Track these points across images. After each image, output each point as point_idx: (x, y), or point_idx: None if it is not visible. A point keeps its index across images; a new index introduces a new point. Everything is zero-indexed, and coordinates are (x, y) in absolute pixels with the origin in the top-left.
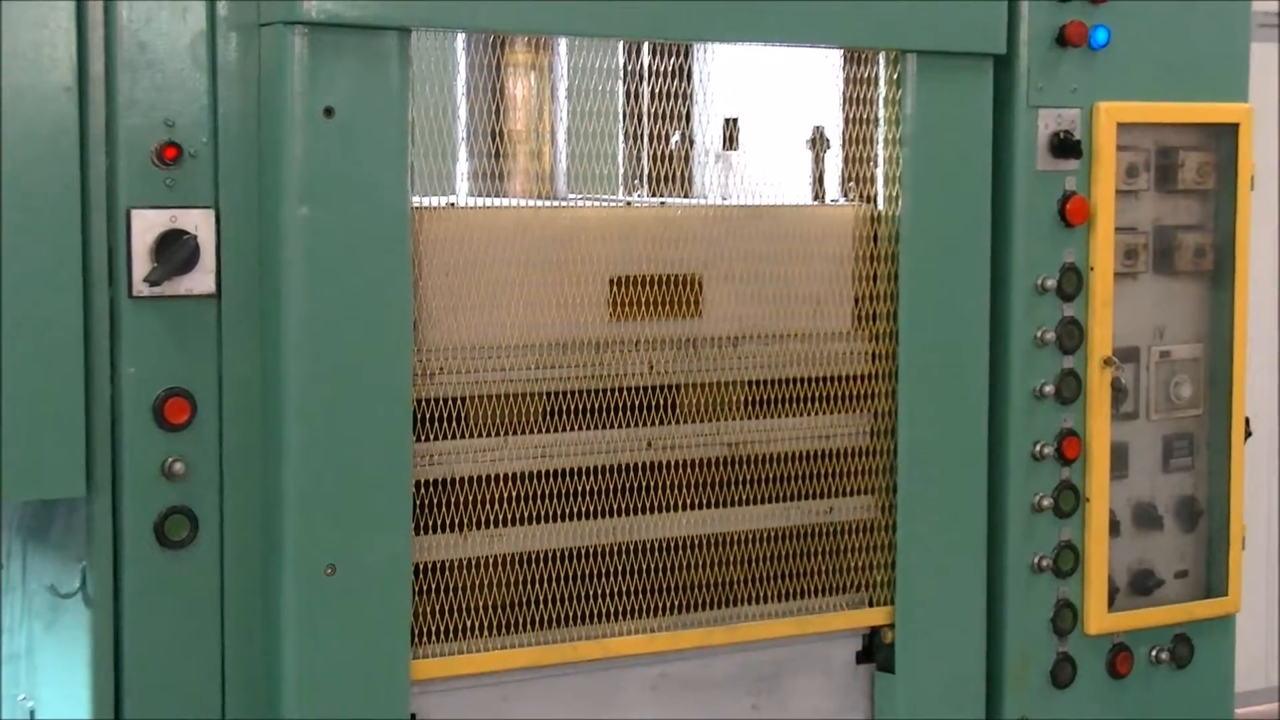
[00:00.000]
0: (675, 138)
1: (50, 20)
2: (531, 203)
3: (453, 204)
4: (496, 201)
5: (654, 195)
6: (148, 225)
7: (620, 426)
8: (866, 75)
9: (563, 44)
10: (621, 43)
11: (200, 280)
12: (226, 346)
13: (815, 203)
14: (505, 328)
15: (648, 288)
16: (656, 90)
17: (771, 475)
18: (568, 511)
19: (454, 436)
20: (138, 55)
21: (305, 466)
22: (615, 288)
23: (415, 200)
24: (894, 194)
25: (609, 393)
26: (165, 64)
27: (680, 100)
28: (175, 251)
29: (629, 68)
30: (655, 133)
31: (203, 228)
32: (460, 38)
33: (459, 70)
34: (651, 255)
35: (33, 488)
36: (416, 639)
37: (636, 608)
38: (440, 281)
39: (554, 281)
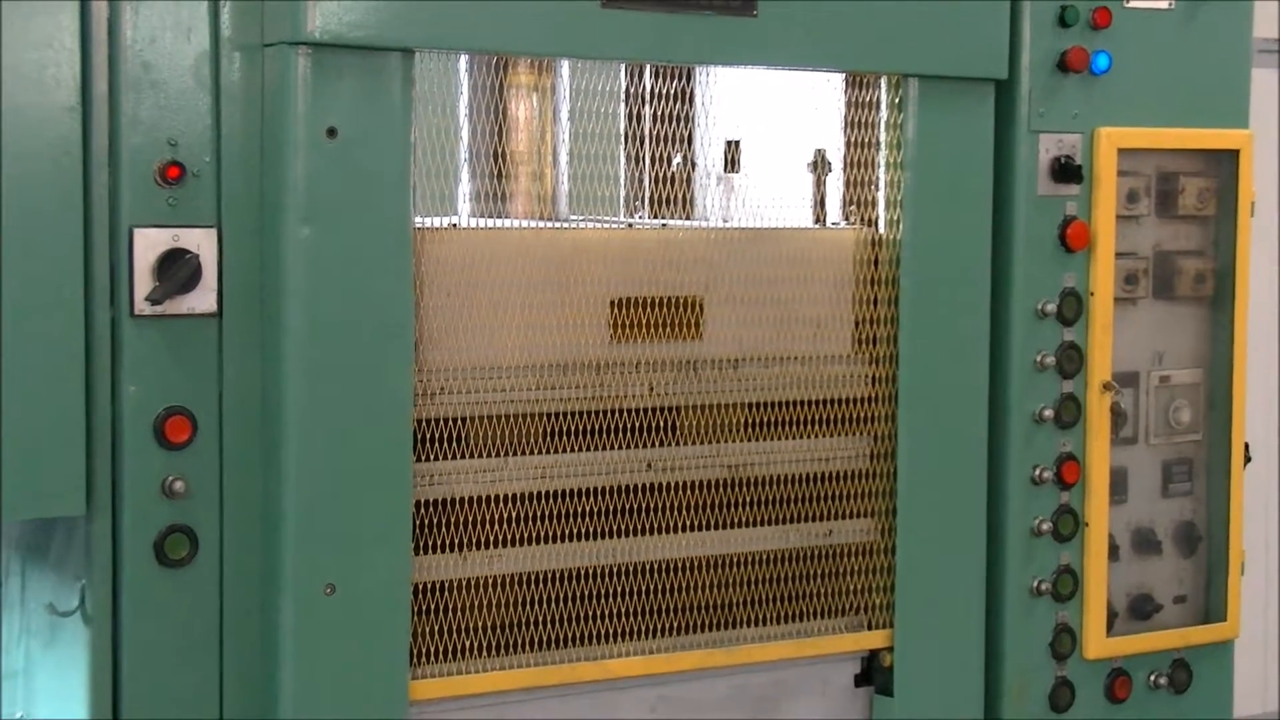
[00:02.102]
0: (677, 160)
1: (54, 40)
2: (533, 224)
3: (454, 224)
4: (498, 222)
5: (655, 217)
6: (150, 244)
7: (620, 448)
8: (868, 99)
9: (565, 66)
10: (624, 65)
11: (202, 299)
12: (227, 366)
13: (816, 226)
14: (506, 348)
15: (649, 309)
16: (658, 113)
17: (771, 497)
18: (567, 532)
19: (454, 457)
20: (141, 75)
21: (305, 486)
22: (616, 309)
23: (417, 221)
24: (895, 217)
25: (609, 414)
26: (169, 84)
27: (682, 123)
28: (177, 270)
29: (631, 90)
30: (657, 155)
31: (205, 247)
32: (463, 59)
33: (461, 91)
34: (653, 277)
35: (33, 506)
36: (415, 659)
37: (635, 629)
38: (442, 302)
39: (555, 302)
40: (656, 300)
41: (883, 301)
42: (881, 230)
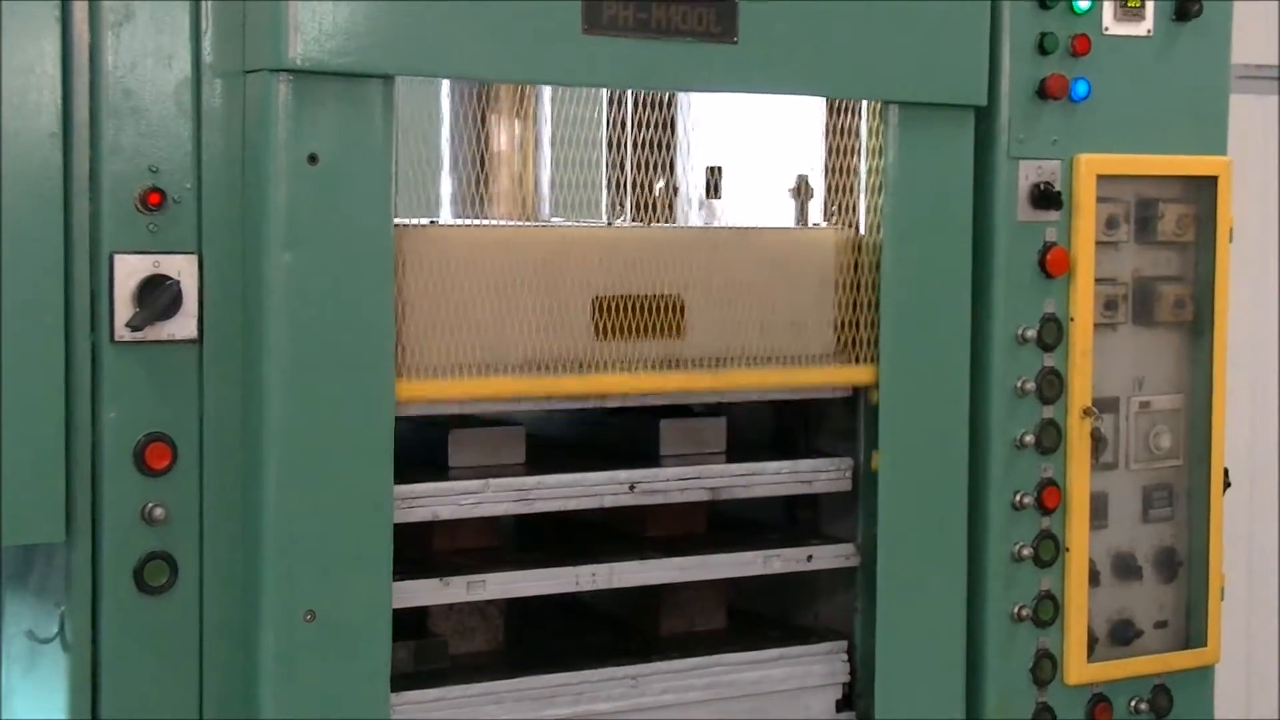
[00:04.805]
0: (659, 185)
1: (35, 66)
2: (515, 223)
3: (434, 222)
4: (480, 221)
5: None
6: (130, 270)
7: (603, 469)
8: (849, 125)
9: (546, 90)
10: (605, 90)
11: (182, 325)
12: (208, 392)
13: (798, 226)
14: (488, 347)
15: (631, 310)
16: (639, 139)
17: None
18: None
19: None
20: (122, 101)
21: (285, 512)
22: (598, 308)
23: (398, 220)
24: (875, 242)
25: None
26: (150, 110)
27: (664, 149)
28: (158, 297)
29: (612, 115)
30: (638, 181)
31: (185, 273)
32: (445, 83)
33: (443, 114)
34: (635, 277)
35: (12, 532)
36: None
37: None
38: (423, 300)
39: (538, 301)
40: (639, 300)
41: (863, 306)
42: (862, 236)
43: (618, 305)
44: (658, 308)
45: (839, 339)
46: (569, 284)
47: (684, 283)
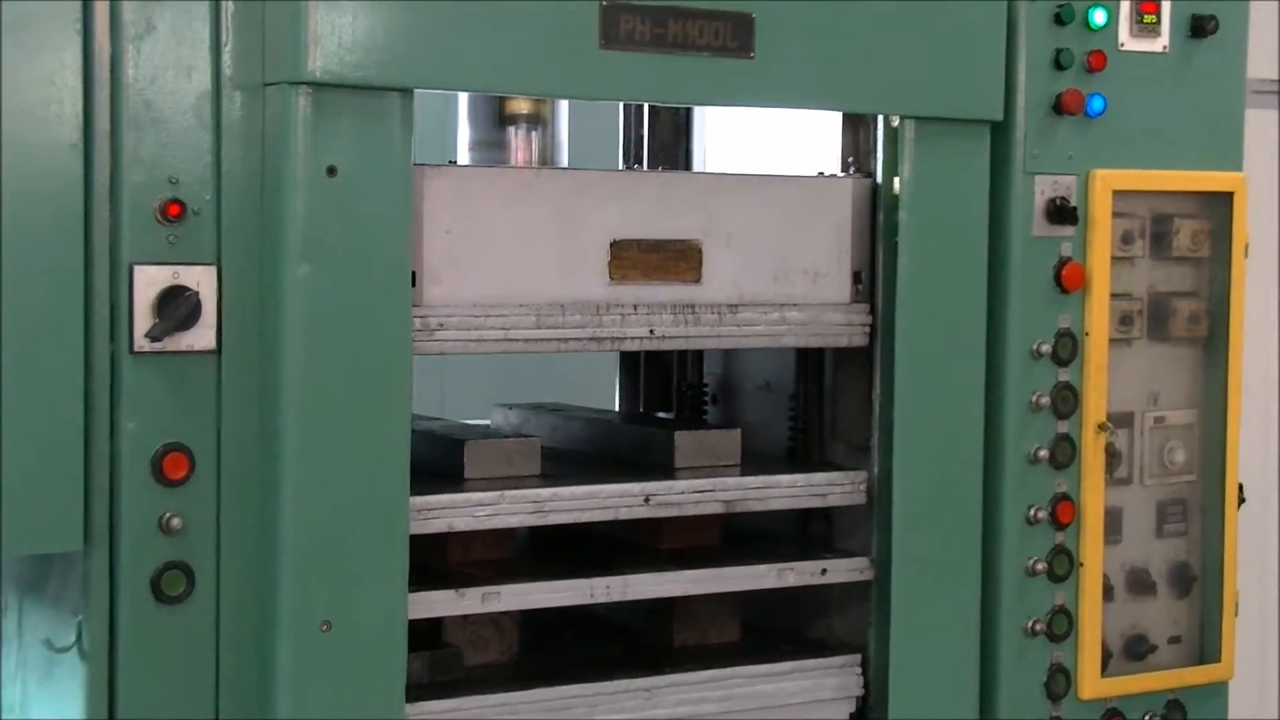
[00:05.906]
0: None
1: (56, 78)
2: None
3: (453, 161)
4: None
5: None
6: (150, 281)
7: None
8: (865, 139)
9: (564, 102)
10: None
11: (201, 336)
12: (226, 402)
13: (815, 175)
14: (506, 287)
15: (648, 252)
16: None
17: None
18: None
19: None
20: (143, 113)
21: (301, 522)
22: (616, 250)
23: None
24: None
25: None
26: (170, 122)
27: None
28: (177, 308)
29: (628, 124)
30: None
31: (204, 284)
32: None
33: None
34: (653, 220)
35: (31, 542)
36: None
37: None
38: (441, 239)
39: (555, 243)
40: (656, 243)
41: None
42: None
43: (635, 248)
44: (676, 252)
45: (855, 289)
46: (587, 226)
47: (702, 227)
